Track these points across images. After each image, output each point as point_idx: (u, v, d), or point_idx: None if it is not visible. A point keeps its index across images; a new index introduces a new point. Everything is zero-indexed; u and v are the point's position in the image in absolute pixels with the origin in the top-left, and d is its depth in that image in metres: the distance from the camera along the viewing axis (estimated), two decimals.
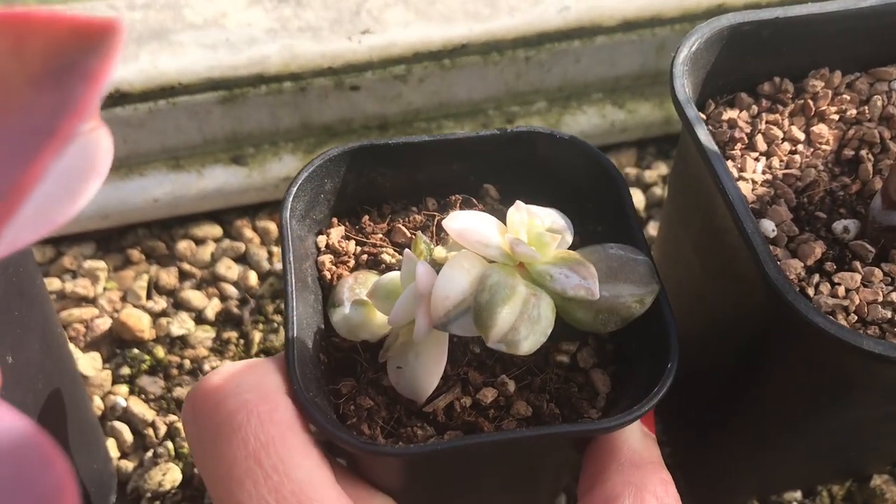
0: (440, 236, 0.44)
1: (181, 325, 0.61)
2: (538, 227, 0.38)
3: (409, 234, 0.43)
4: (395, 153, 0.43)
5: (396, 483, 0.39)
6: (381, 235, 0.44)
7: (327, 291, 0.41)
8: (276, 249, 0.66)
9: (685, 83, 0.43)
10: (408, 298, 0.36)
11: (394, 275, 0.39)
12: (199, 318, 0.62)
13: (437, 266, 0.38)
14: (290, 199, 0.41)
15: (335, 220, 0.44)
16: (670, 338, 0.37)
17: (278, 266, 0.64)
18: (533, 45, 0.68)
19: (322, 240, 0.43)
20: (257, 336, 0.61)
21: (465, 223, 0.37)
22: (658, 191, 0.71)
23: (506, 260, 0.37)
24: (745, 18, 0.45)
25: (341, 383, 0.38)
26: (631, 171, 0.72)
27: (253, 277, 0.64)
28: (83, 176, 0.22)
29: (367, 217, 0.44)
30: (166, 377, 0.59)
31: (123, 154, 0.66)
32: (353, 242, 0.43)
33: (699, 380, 0.50)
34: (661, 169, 0.73)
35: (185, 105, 0.64)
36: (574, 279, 0.36)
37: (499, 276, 0.35)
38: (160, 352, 0.60)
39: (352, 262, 0.43)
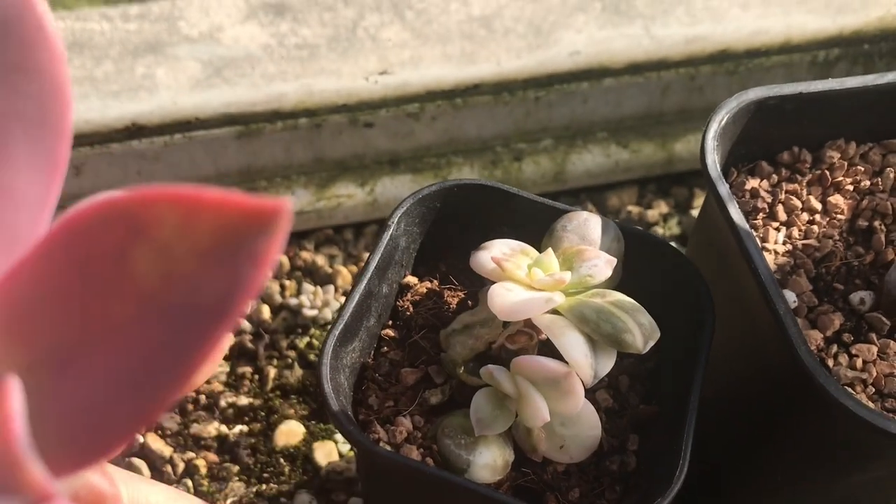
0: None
1: None
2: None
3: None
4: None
5: None
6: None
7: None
8: (289, 283, 0.67)
9: (715, 158, 0.44)
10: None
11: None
12: None
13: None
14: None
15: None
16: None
17: (291, 300, 0.65)
18: (543, 86, 0.70)
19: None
20: (272, 372, 0.62)
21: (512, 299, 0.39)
22: (660, 230, 0.73)
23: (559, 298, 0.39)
24: (771, 93, 0.47)
25: None
26: (633, 210, 0.74)
27: (266, 311, 0.65)
28: None
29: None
30: (182, 413, 0.60)
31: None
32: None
33: (715, 440, 0.52)
34: (662, 207, 0.74)
35: (201, 140, 0.64)
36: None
37: (588, 308, 0.38)
38: None
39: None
